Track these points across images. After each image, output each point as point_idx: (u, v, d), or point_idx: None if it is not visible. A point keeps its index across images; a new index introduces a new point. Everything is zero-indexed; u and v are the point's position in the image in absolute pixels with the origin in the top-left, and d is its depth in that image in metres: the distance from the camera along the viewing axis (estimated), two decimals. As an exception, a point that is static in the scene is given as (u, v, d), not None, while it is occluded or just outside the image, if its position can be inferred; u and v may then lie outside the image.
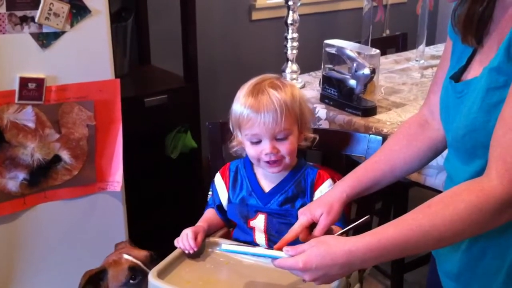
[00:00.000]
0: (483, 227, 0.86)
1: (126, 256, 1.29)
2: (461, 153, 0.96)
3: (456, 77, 0.98)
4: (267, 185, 1.29)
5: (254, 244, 1.29)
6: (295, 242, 1.08)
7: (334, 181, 1.27)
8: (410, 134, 1.15)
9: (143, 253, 1.31)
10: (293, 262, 0.95)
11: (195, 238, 1.21)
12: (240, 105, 1.23)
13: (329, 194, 1.17)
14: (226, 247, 1.17)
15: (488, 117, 0.86)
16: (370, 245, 0.89)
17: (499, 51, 0.87)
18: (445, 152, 1.08)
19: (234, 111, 1.25)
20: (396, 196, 2.18)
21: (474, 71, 0.93)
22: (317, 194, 1.27)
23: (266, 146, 1.22)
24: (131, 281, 1.25)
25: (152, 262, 1.28)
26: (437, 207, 0.87)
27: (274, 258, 1.01)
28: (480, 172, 0.87)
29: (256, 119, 1.20)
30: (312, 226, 1.14)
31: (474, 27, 0.94)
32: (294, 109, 1.23)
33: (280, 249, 1.03)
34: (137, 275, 1.25)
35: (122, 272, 1.26)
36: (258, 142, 1.23)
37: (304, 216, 1.14)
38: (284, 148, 1.23)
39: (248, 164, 1.32)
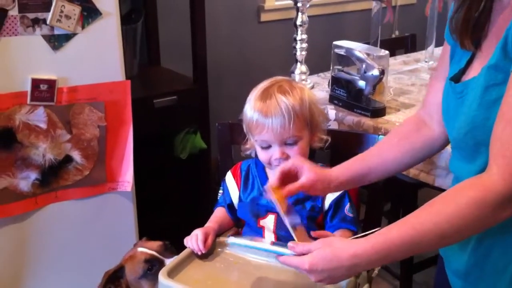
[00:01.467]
0: (486, 223, 0.86)
1: (140, 249, 1.32)
2: (464, 153, 0.97)
3: (456, 78, 0.99)
4: None
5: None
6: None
7: None
8: (403, 131, 1.16)
9: (156, 243, 1.34)
10: (299, 262, 0.96)
11: (205, 240, 1.21)
12: (250, 108, 1.24)
13: (323, 170, 1.14)
14: (233, 241, 1.17)
15: (487, 114, 0.87)
16: (375, 248, 0.90)
17: (496, 49, 0.88)
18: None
19: (245, 113, 1.26)
20: (405, 197, 2.17)
21: (474, 72, 0.94)
22: (329, 196, 1.27)
23: (275, 151, 1.23)
24: (148, 272, 1.29)
25: (166, 250, 1.31)
26: (439, 205, 0.88)
27: (279, 254, 1.02)
28: (484, 170, 0.88)
29: (264, 125, 1.21)
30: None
31: (470, 32, 0.95)
32: (303, 114, 1.23)
33: (286, 197, 1.06)
34: (154, 265, 1.29)
35: (139, 265, 1.30)
36: (268, 147, 1.24)
37: (293, 161, 1.11)
38: (293, 153, 1.23)
39: (260, 164, 1.32)
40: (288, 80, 1.29)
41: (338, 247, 0.94)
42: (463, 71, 0.98)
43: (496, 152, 0.84)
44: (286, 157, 1.23)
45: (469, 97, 0.92)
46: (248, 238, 1.25)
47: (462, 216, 0.85)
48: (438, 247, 0.99)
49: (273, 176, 1.10)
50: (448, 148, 1.22)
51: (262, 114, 1.21)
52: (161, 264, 1.27)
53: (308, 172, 1.09)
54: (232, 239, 1.18)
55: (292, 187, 1.08)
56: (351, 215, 1.27)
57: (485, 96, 0.88)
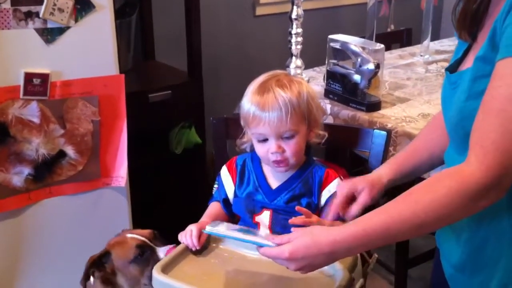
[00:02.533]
0: (465, 212, 0.87)
1: (130, 235, 1.32)
2: (456, 143, 0.98)
3: (452, 68, 1.00)
4: (274, 182, 1.29)
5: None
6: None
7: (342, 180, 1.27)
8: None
9: (146, 231, 1.35)
10: (278, 251, 0.96)
11: (199, 236, 1.21)
12: (247, 102, 1.24)
13: (372, 175, 1.19)
14: (209, 230, 1.12)
15: (475, 105, 0.87)
16: (355, 235, 0.92)
17: (486, 40, 0.88)
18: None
19: (242, 107, 1.25)
20: (401, 191, 2.17)
21: (468, 63, 0.95)
22: (325, 193, 1.27)
23: (272, 145, 1.22)
24: (139, 257, 1.29)
25: (155, 238, 1.32)
26: (418, 195, 0.89)
27: (259, 246, 1.02)
28: None
29: (261, 118, 1.21)
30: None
31: (467, 23, 0.95)
32: (300, 108, 1.22)
33: (336, 218, 1.12)
34: (145, 251, 1.29)
35: (129, 250, 1.31)
36: (265, 140, 1.23)
37: (345, 187, 1.17)
38: (289, 148, 1.22)
39: (256, 159, 1.31)
40: (287, 74, 1.29)
41: (318, 234, 0.94)
42: (459, 61, 0.99)
43: (474, 142, 0.84)
44: (282, 151, 1.22)
45: (460, 88, 0.93)
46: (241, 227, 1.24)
47: (441, 206, 0.86)
48: (417, 235, 1.00)
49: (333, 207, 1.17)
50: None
51: (260, 108, 1.21)
52: (152, 250, 1.28)
53: (367, 193, 1.15)
54: (209, 228, 1.13)
55: (356, 210, 1.14)
56: None
57: (473, 88, 0.89)
